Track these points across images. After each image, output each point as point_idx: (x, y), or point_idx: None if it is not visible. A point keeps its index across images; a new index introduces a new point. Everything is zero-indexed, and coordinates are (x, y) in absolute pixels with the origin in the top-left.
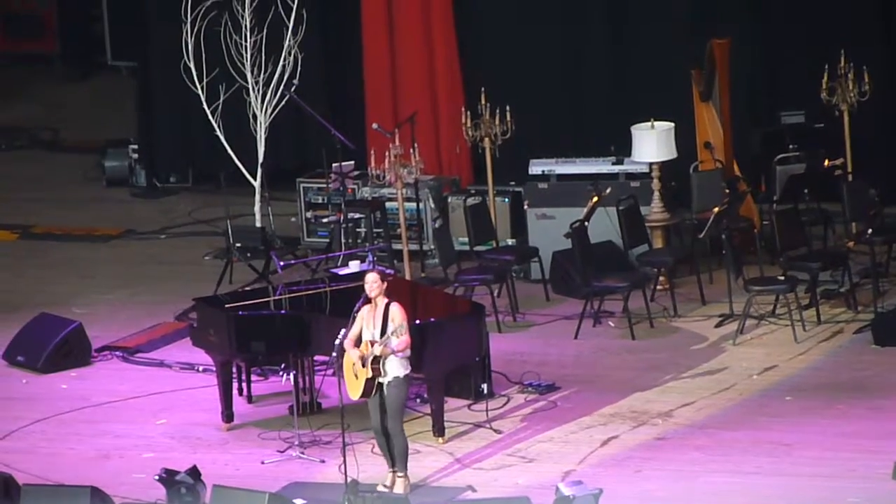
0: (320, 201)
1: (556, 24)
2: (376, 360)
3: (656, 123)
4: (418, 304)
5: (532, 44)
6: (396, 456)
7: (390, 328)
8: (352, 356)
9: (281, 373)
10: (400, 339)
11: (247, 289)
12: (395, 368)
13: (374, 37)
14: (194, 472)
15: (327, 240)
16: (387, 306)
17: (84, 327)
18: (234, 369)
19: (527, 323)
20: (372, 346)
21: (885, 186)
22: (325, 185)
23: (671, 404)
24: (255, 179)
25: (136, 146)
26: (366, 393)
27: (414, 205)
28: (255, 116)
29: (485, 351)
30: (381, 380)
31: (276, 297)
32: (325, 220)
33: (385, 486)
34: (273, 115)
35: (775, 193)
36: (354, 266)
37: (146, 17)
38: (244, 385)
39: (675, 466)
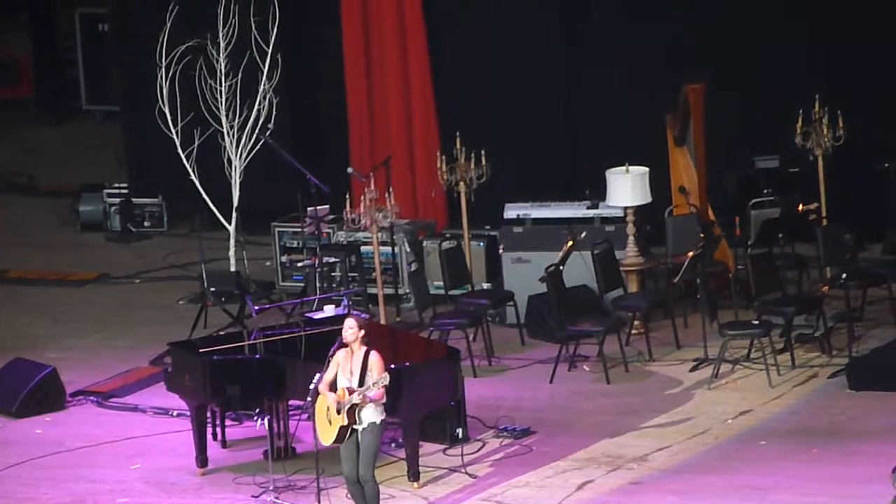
0: (295, 245)
1: (531, 69)
2: (353, 408)
3: (631, 168)
4: (394, 349)
5: (507, 88)
6: (369, 501)
7: (370, 379)
8: (328, 400)
9: (255, 417)
10: (379, 388)
11: (221, 333)
12: (371, 415)
13: (355, 82)
14: None
15: (302, 284)
16: (366, 354)
17: (58, 372)
18: (209, 414)
19: (502, 367)
20: (350, 393)
21: (859, 231)
22: (300, 230)
23: (646, 448)
24: (230, 223)
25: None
26: (338, 439)
27: (389, 249)
28: (229, 161)
29: (460, 395)
30: (356, 426)
31: (251, 342)
32: (300, 265)
33: None
34: (248, 159)
35: (750, 238)
36: (329, 310)
37: (133, 62)
38: (219, 430)
39: None
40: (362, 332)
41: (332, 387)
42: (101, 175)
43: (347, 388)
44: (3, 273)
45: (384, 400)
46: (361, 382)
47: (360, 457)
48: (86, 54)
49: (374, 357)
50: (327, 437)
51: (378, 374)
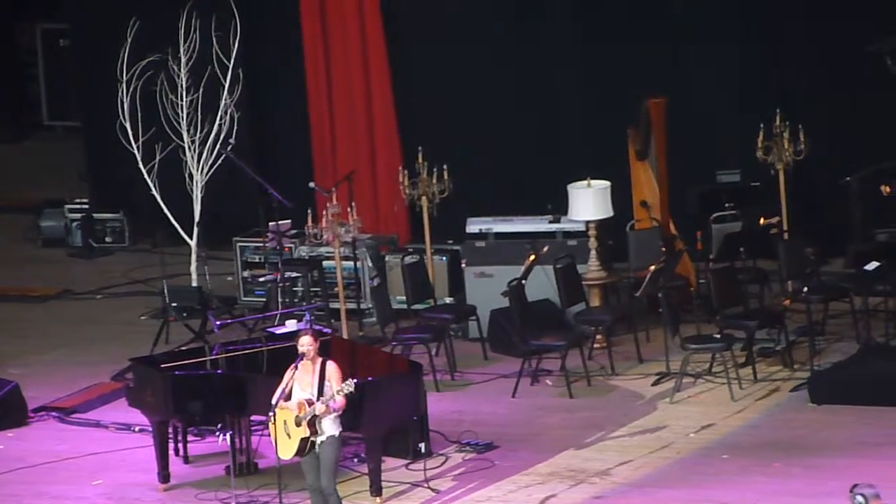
0: (257, 260)
1: (492, 84)
2: (315, 419)
3: (593, 182)
4: (356, 363)
5: (468, 103)
6: None
7: (328, 388)
8: (290, 409)
9: (218, 433)
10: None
11: (183, 349)
12: (330, 427)
13: (316, 97)
14: None
15: (264, 299)
16: (322, 364)
17: (20, 388)
18: (171, 429)
19: (465, 381)
20: (310, 405)
21: (820, 245)
22: (261, 244)
23: (609, 463)
24: (192, 239)
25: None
26: (299, 452)
27: (351, 263)
28: (191, 175)
29: (423, 410)
30: (314, 438)
31: (213, 357)
32: (261, 280)
33: None
34: (209, 174)
35: (711, 252)
36: (291, 325)
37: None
38: (181, 445)
39: None
40: (318, 342)
41: (288, 398)
42: (62, 191)
43: (306, 400)
44: None
45: (341, 411)
46: (320, 393)
47: (321, 469)
48: (47, 70)
49: (332, 367)
50: (287, 450)
51: (337, 384)
